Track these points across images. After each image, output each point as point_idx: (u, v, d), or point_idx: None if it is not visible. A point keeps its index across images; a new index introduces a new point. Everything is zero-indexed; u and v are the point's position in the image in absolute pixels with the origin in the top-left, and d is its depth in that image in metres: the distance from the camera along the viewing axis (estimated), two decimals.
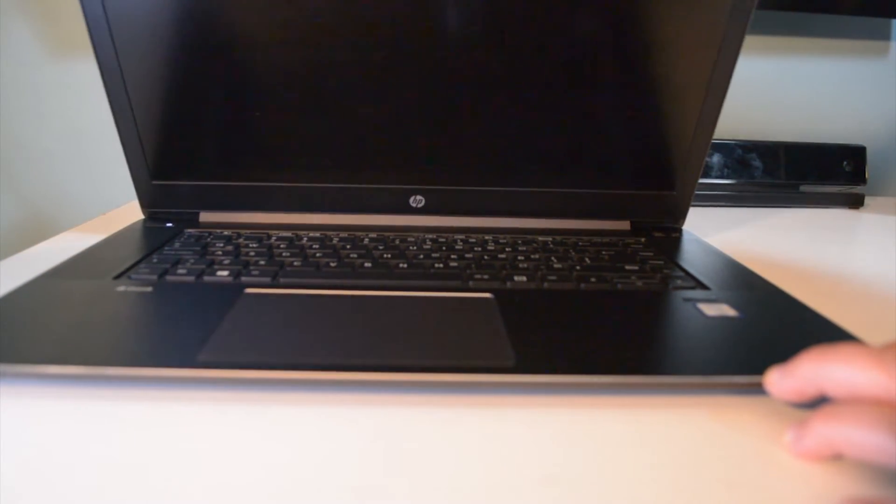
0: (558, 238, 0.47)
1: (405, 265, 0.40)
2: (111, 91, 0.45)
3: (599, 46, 0.46)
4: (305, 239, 0.45)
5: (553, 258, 0.42)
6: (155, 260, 0.40)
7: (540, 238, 0.47)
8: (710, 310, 0.34)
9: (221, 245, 0.43)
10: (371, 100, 0.48)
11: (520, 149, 0.49)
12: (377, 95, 0.48)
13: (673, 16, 0.44)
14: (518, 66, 0.47)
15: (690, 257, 0.44)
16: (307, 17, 0.46)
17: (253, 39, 0.46)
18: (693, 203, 0.68)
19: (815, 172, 0.69)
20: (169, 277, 0.37)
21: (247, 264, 0.39)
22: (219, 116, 0.48)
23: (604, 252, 0.44)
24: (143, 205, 0.50)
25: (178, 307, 0.32)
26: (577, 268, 0.40)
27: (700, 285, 0.38)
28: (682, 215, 0.52)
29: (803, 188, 0.70)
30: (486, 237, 0.47)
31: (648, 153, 0.49)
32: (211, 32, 0.45)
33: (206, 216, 0.50)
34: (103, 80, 0.45)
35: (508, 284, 0.37)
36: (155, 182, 0.49)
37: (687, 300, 0.35)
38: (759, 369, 0.27)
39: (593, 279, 0.38)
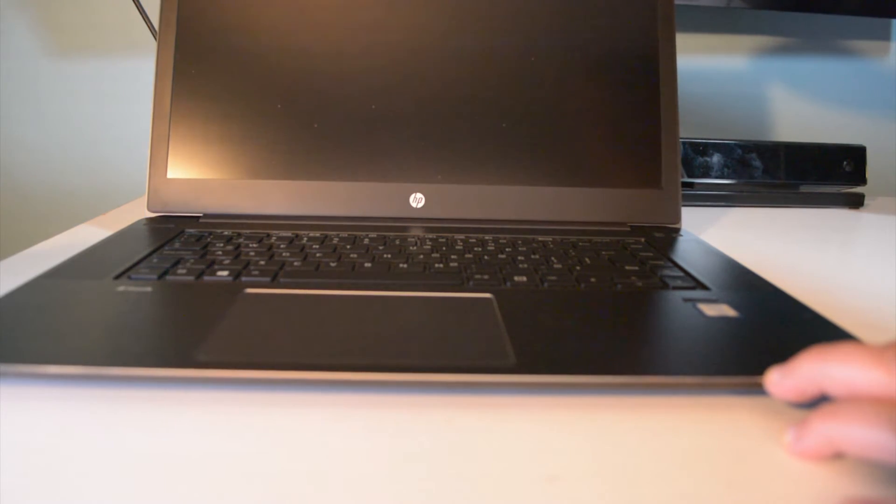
0: (558, 238, 0.47)
1: (405, 265, 0.40)
2: (158, 91, 0.50)
3: (574, 58, 0.52)
4: (305, 239, 0.45)
5: (553, 258, 0.42)
6: (155, 260, 0.40)
7: (540, 238, 0.47)
8: (710, 310, 0.34)
9: (221, 245, 0.43)
10: (372, 97, 0.49)
11: (515, 145, 0.51)
12: (378, 93, 0.49)
13: (616, 39, 0.53)
14: (517, 67, 0.49)
15: (690, 257, 0.44)
16: (310, 19, 0.47)
17: (261, 43, 0.50)
18: (694, 203, 0.69)
19: (815, 172, 0.69)
20: (169, 277, 0.37)
21: (247, 264, 0.39)
22: (227, 116, 0.50)
23: (603, 252, 0.44)
24: (152, 198, 0.50)
25: (178, 307, 0.32)
26: (577, 268, 0.40)
27: (700, 285, 0.38)
28: (676, 213, 0.52)
29: (803, 188, 0.70)
30: (486, 237, 0.47)
31: (628, 152, 0.52)
32: (237, 43, 0.50)
33: (206, 216, 0.50)
34: (155, 79, 0.50)
35: (508, 284, 0.37)
36: (170, 177, 0.50)
37: (687, 300, 0.35)
38: (759, 369, 0.27)
39: (593, 279, 0.38)
